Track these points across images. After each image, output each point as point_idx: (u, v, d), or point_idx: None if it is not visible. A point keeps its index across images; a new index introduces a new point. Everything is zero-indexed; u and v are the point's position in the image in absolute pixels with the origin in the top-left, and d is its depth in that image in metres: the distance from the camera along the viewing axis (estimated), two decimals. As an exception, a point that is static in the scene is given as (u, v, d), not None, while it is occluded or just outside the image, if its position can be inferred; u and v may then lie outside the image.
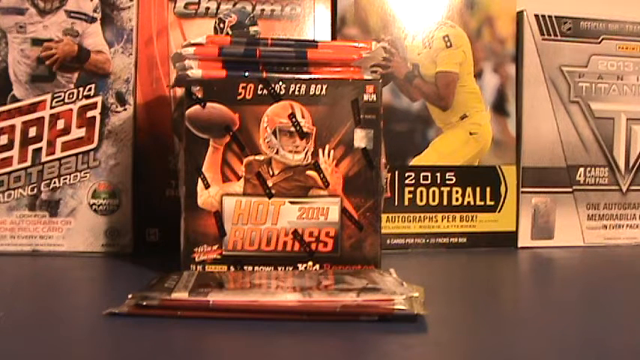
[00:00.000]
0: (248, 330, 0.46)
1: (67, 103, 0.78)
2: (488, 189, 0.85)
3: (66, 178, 0.78)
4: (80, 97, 0.78)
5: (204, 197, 0.63)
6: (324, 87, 0.63)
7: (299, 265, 0.63)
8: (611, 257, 0.82)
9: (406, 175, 0.83)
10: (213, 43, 0.64)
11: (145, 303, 0.48)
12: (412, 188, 0.83)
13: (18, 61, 0.78)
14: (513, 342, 0.46)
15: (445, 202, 0.84)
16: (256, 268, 0.63)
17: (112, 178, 0.78)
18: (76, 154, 0.78)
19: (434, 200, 0.84)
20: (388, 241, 0.82)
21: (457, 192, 0.84)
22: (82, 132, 0.78)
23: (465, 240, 0.85)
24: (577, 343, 0.45)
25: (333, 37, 0.83)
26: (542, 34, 0.86)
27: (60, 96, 0.78)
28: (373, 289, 0.51)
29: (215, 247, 0.63)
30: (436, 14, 0.84)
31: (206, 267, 0.63)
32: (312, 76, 0.64)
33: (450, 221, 0.84)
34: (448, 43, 0.84)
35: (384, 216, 0.75)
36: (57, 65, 0.78)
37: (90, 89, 0.78)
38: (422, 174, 0.84)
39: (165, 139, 0.77)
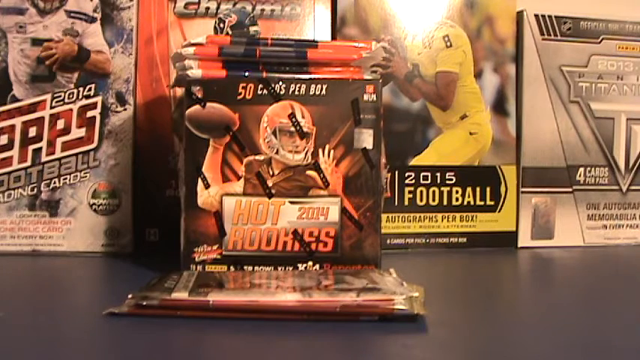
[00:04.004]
0: (248, 330, 0.46)
1: (67, 103, 0.78)
2: (488, 189, 0.85)
3: (66, 178, 0.78)
4: (80, 97, 0.78)
5: (204, 197, 0.63)
6: (324, 87, 0.63)
7: (299, 265, 0.63)
8: (611, 257, 0.82)
9: (406, 175, 0.83)
10: (213, 43, 0.64)
11: (145, 303, 0.48)
12: (412, 188, 0.83)
13: (18, 61, 0.78)
14: (513, 342, 0.46)
15: (445, 202, 0.84)
16: (256, 268, 0.63)
17: (112, 178, 0.78)
18: (76, 154, 0.78)
19: (434, 200, 0.84)
20: (388, 241, 0.82)
21: (457, 192, 0.84)
22: (82, 132, 0.78)
23: (465, 240, 0.85)
24: (577, 343, 0.45)
25: (333, 37, 0.83)
26: (542, 34, 0.86)
27: (60, 96, 0.78)
28: (373, 289, 0.51)
29: (215, 247, 0.63)
30: (436, 14, 0.84)
31: (206, 267, 0.63)
32: (312, 76, 0.64)
33: (450, 221, 0.84)
34: (448, 43, 0.84)
35: (384, 216, 0.75)
36: (57, 65, 0.78)
37: (90, 89, 0.78)
38: (422, 174, 0.84)
39: (166, 139, 0.77)
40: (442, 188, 0.84)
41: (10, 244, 0.77)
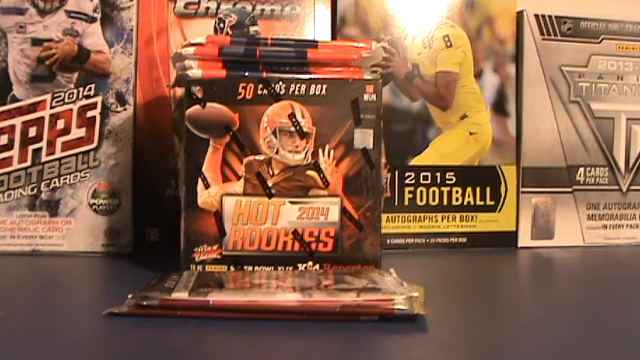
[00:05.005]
0: (248, 330, 0.46)
1: (67, 103, 0.78)
2: (488, 189, 0.85)
3: (66, 178, 0.78)
4: (80, 97, 0.78)
5: (204, 197, 0.63)
6: (324, 87, 0.63)
7: (299, 265, 0.63)
8: (611, 257, 0.82)
9: (406, 175, 0.83)
10: (213, 43, 0.64)
11: (145, 303, 0.48)
12: (412, 188, 0.83)
13: (18, 61, 0.78)
14: (513, 342, 0.46)
15: (445, 202, 0.84)
16: (256, 268, 0.63)
17: (112, 178, 0.78)
18: (76, 154, 0.78)
19: (434, 200, 0.84)
20: (388, 241, 0.82)
21: (457, 192, 0.84)
22: (82, 132, 0.78)
23: (465, 240, 0.85)
24: (577, 343, 0.45)
25: (333, 37, 0.83)
26: (542, 34, 0.86)
27: (60, 96, 0.78)
28: (373, 289, 0.51)
29: (215, 247, 0.63)
30: (436, 14, 0.84)
31: (206, 267, 0.63)
32: (312, 76, 0.64)
33: (450, 221, 0.84)
34: (448, 43, 0.84)
35: (384, 216, 0.75)
36: (57, 65, 0.78)
37: (90, 89, 0.78)
38: (422, 174, 0.84)
39: (166, 139, 0.77)
40: (442, 188, 0.84)
41: (10, 244, 0.77)
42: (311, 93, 0.63)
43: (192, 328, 0.46)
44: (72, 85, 0.78)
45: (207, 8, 0.81)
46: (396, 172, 0.83)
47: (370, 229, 0.63)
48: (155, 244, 0.79)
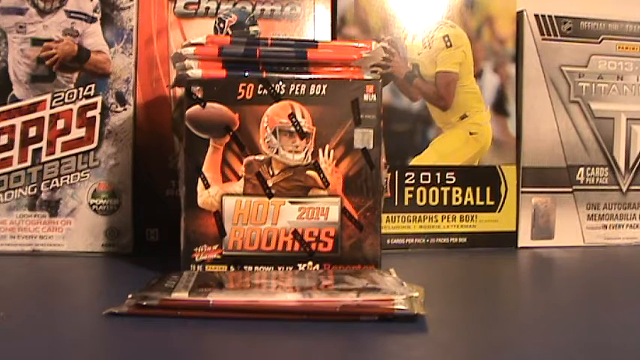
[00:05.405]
0: (248, 330, 0.46)
1: (67, 103, 0.78)
2: (488, 189, 0.85)
3: (66, 178, 0.78)
4: (80, 97, 0.78)
5: (204, 197, 0.63)
6: (324, 87, 0.63)
7: (299, 265, 0.63)
8: (611, 257, 0.82)
9: (406, 175, 0.83)
10: (213, 43, 0.64)
11: (145, 303, 0.48)
12: (412, 188, 0.83)
13: (18, 61, 0.78)
14: (513, 342, 0.46)
15: (445, 202, 0.84)
16: (256, 268, 0.63)
17: (112, 178, 0.78)
18: (76, 154, 0.78)
19: (434, 200, 0.84)
20: (388, 241, 0.82)
21: (457, 192, 0.84)
22: (82, 132, 0.78)
23: (465, 240, 0.85)
24: (577, 343, 0.45)
25: (333, 37, 0.83)
26: (542, 34, 0.86)
27: (60, 96, 0.78)
28: (373, 289, 0.51)
29: (215, 247, 0.63)
30: (436, 14, 0.84)
31: (206, 267, 0.63)
32: (312, 76, 0.64)
33: (450, 221, 0.84)
34: (448, 43, 0.84)
35: (384, 216, 0.75)
36: (57, 65, 0.78)
37: (90, 89, 0.78)
38: (422, 174, 0.84)
39: (166, 139, 0.77)
40: (442, 188, 0.84)
41: (10, 244, 0.77)
42: (311, 93, 0.63)
43: (192, 328, 0.46)
44: (72, 85, 0.78)
45: (207, 8, 0.81)
46: (396, 172, 0.83)
47: (370, 229, 0.63)
48: (155, 244, 0.79)
